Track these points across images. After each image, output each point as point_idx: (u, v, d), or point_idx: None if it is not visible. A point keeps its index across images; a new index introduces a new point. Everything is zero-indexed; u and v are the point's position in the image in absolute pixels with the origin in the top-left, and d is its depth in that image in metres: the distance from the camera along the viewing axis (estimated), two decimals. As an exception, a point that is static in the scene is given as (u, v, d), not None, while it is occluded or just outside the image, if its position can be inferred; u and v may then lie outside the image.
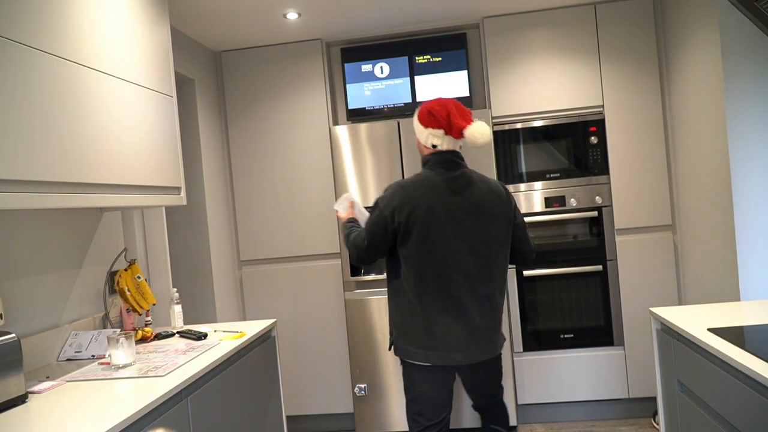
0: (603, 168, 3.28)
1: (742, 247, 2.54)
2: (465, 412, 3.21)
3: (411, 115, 3.48)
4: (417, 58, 3.47)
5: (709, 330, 1.77)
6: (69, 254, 2.24)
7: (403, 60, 3.48)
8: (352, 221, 2.35)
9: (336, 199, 3.38)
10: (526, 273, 3.31)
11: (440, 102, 2.19)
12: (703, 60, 2.73)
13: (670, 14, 3.10)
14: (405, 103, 3.48)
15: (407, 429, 3.29)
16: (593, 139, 3.29)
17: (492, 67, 3.34)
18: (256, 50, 3.53)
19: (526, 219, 3.28)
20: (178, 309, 2.55)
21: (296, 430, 3.59)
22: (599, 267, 3.28)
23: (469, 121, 2.14)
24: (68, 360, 2.08)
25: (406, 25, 3.44)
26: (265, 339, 2.43)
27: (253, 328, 2.38)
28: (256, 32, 3.29)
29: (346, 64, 3.52)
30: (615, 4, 3.26)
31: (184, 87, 3.26)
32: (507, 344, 3.24)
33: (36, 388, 1.70)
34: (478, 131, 2.09)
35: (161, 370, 1.79)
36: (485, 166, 3.23)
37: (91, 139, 1.83)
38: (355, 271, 3.35)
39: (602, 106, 3.29)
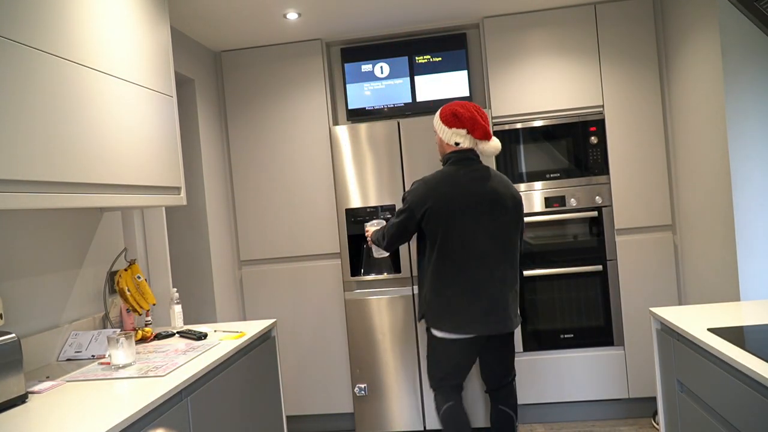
0: (603, 168, 3.28)
1: (742, 247, 2.54)
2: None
3: (411, 115, 3.48)
4: (417, 58, 3.47)
5: (709, 330, 1.77)
6: (69, 254, 2.24)
7: (403, 60, 3.48)
8: (376, 230, 2.74)
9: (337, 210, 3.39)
10: (526, 273, 3.31)
11: (463, 105, 2.50)
12: (703, 60, 2.73)
13: (670, 14, 3.10)
14: (405, 103, 3.48)
15: (407, 429, 3.30)
16: (593, 139, 3.29)
17: (492, 67, 3.34)
18: (256, 50, 3.53)
19: (526, 219, 3.28)
20: (178, 309, 2.55)
21: (296, 430, 3.59)
22: (599, 267, 3.28)
23: (489, 126, 2.49)
24: (68, 360, 2.08)
25: (406, 25, 3.44)
26: (265, 339, 2.43)
27: (253, 328, 2.38)
28: (256, 32, 3.29)
29: (346, 64, 3.52)
30: (615, 4, 3.26)
31: (184, 87, 3.26)
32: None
33: (36, 388, 1.70)
34: (494, 146, 2.48)
35: (161, 370, 1.79)
36: (485, 166, 3.24)
37: (91, 139, 1.83)
38: (355, 271, 3.36)
39: (602, 106, 3.29)
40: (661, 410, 2.18)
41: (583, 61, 3.29)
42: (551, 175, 3.31)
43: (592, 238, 3.30)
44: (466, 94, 3.42)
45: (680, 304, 3.25)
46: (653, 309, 2.13)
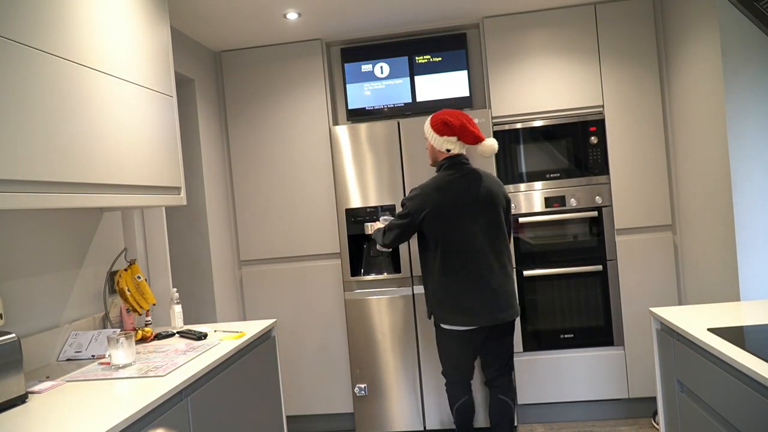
0: (603, 168, 3.28)
1: (742, 247, 2.54)
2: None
3: (411, 115, 3.48)
4: (417, 58, 3.47)
5: (709, 330, 1.77)
6: (69, 254, 2.24)
7: (403, 60, 3.48)
8: (380, 227, 2.88)
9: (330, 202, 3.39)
10: (526, 273, 3.31)
11: (452, 114, 2.67)
12: (703, 60, 2.73)
13: (670, 14, 3.10)
14: (405, 103, 3.48)
15: (407, 429, 3.30)
16: (593, 139, 3.29)
17: (492, 67, 3.34)
18: (256, 50, 3.53)
19: (526, 219, 3.29)
20: (178, 309, 2.55)
21: (296, 430, 3.59)
22: (599, 267, 3.28)
23: (478, 131, 2.65)
24: (68, 360, 2.08)
25: (406, 25, 3.44)
26: (265, 339, 2.43)
27: (253, 328, 2.38)
28: (256, 32, 3.29)
29: (346, 64, 3.52)
30: (615, 4, 3.26)
31: (184, 87, 3.26)
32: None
33: (36, 388, 1.70)
34: (490, 146, 2.64)
35: (161, 370, 1.79)
36: (485, 167, 3.23)
37: (91, 139, 1.83)
38: (355, 271, 3.36)
39: (602, 106, 3.29)
40: (661, 410, 2.18)
41: (583, 61, 3.29)
42: (551, 175, 3.31)
43: (592, 238, 3.30)
44: (466, 94, 3.42)
45: (680, 304, 3.25)
46: (653, 309, 2.13)
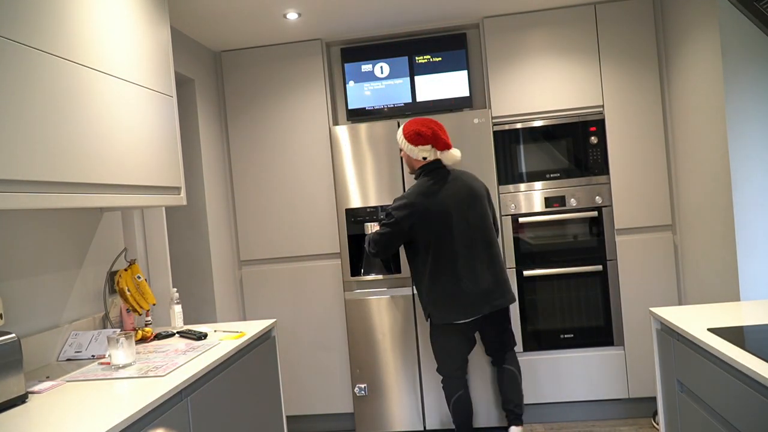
0: (603, 168, 3.28)
1: (742, 247, 2.54)
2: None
3: (411, 115, 3.48)
4: (417, 58, 3.47)
5: (709, 330, 1.77)
6: (69, 254, 2.24)
7: (403, 60, 3.48)
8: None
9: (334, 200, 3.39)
10: (526, 273, 3.31)
11: (423, 123, 2.81)
12: (703, 60, 2.73)
13: (670, 14, 3.10)
14: (405, 103, 3.48)
15: (407, 429, 3.30)
16: (593, 139, 3.29)
17: (492, 67, 3.34)
18: (256, 50, 3.53)
19: (526, 219, 3.29)
20: (178, 309, 2.55)
21: (296, 430, 3.59)
22: (599, 267, 3.28)
23: (448, 138, 2.83)
24: (68, 360, 2.08)
25: (406, 25, 3.44)
26: (265, 339, 2.43)
27: (253, 328, 2.38)
28: (256, 32, 3.29)
29: (346, 64, 3.52)
30: (615, 4, 3.26)
31: (184, 87, 3.26)
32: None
33: (36, 388, 1.70)
34: (454, 155, 2.84)
35: (161, 370, 1.79)
36: (485, 167, 3.24)
37: (91, 139, 1.83)
38: (355, 271, 3.36)
39: (602, 106, 3.29)
40: (661, 410, 2.18)
41: (583, 61, 3.29)
42: (551, 175, 3.31)
43: (592, 238, 3.30)
44: (466, 94, 3.42)
45: (680, 304, 3.25)
46: (653, 309, 2.13)
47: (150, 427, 1.50)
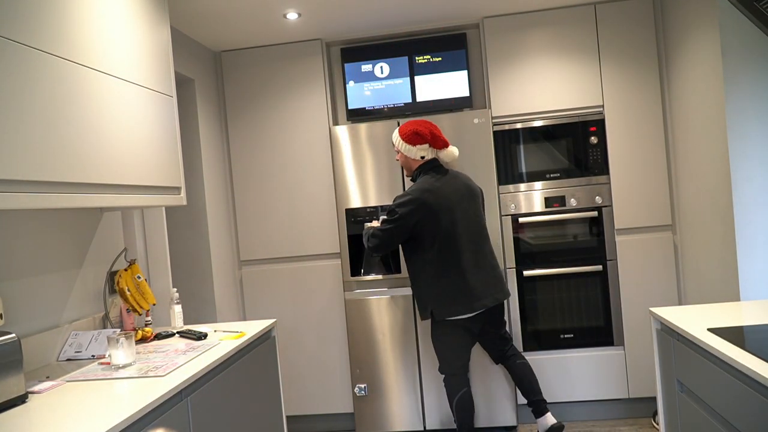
0: (603, 168, 3.28)
1: (742, 247, 2.54)
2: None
3: (411, 115, 3.48)
4: (417, 58, 3.47)
5: (709, 330, 1.77)
6: (69, 254, 2.24)
7: (403, 60, 3.48)
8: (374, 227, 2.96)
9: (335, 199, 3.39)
10: (526, 273, 3.31)
11: (419, 123, 2.85)
12: (703, 60, 2.73)
13: (670, 14, 3.10)
14: (405, 103, 3.48)
15: (407, 429, 3.30)
16: (593, 139, 3.29)
17: (492, 67, 3.34)
18: (256, 50, 3.53)
19: (526, 219, 3.30)
20: (178, 309, 2.55)
21: (296, 430, 3.59)
22: (599, 267, 3.28)
23: (443, 136, 2.89)
24: (68, 360, 2.08)
25: (406, 25, 3.44)
26: (265, 339, 2.43)
27: (253, 328, 2.38)
28: (256, 32, 3.29)
29: (346, 64, 3.52)
30: (615, 4, 3.26)
31: (184, 87, 3.26)
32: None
33: (36, 388, 1.70)
34: (452, 152, 2.89)
35: (161, 370, 1.79)
36: (485, 167, 3.24)
37: (91, 139, 1.83)
38: (355, 271, 3.36)
39: (602, 106, 3.29)
40: (661, 410, 2.18)
41: (583, 61, 3.29)
42: (551, 175, 3.31)
43: (592, 238, 3.30)
44: (466, 94, 3.42)
45: (680, 304, 3.25)
46: (653, 309, 2.13)
47: (150, 427, 1.50)
